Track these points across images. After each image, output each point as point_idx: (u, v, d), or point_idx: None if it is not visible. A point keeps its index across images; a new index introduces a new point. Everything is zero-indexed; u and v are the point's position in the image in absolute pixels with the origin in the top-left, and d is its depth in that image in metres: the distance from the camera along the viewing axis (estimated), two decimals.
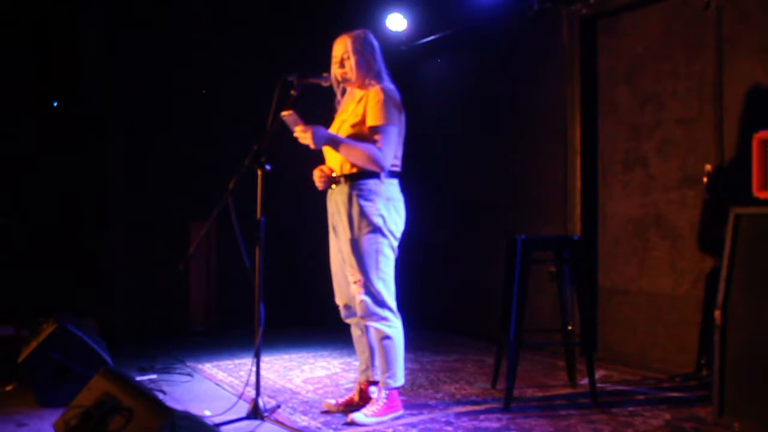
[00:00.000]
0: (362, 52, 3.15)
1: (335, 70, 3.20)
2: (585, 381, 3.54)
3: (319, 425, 3.08)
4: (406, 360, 3.99)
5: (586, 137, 4.56)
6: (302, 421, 3.14)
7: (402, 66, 5.25)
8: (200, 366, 4.24)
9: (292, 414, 3.25)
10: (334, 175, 3.18)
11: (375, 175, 3.08)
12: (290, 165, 4.01)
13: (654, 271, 4.19)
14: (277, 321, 3.65)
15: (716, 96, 3.84)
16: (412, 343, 4.38)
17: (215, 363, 4.33)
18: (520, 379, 3.72)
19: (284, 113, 3.01)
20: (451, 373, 4.12)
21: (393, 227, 3.12)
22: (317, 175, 3.23)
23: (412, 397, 3.53)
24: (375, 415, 3.09)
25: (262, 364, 3.29)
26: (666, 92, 4.14)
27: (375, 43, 3.21)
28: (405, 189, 3.23)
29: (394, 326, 3.13)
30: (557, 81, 4.69)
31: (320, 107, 3.39)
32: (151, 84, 5.19)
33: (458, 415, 3.23)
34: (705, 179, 3.87)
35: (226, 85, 5.48)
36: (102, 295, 4.96)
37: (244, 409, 3.14)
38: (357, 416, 3.08)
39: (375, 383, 3.28)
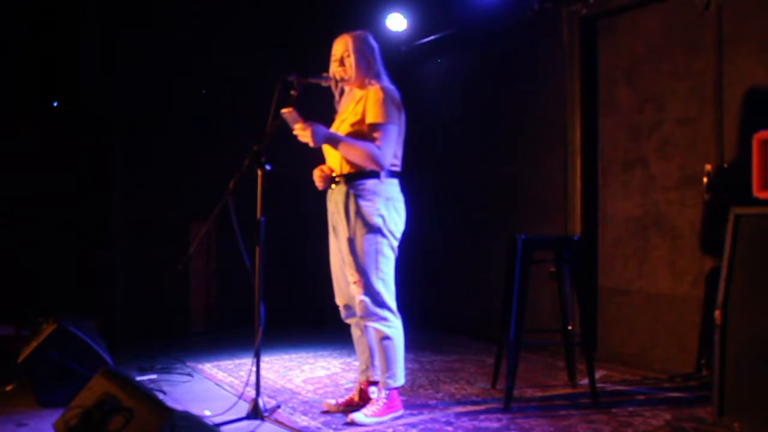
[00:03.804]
0: (362, 51, 3.16)
1: (335, 69, 3.20)
2: (585, 381, 3.54)
3: (319, 425, 3.08)
4: (406, 360, 3.98)
5: (586, 137, 4.56)
6: (302, 421, 3.14)
7: (402, 66, 5.25)
8: (200, 366, 4.24)
9: (292, 414, 3.25)
10: (333, 175, 3.18)
11: (374, 175, 3.08)
12: (290, 165, 4.01)
13: (654, 271, 4.19)
14: (277, 321, 3.65)
15: (716, 96, 3.84)
16: (412, 343, 4.38)
17: (215, 363, 4.33)
18: (520, 379, 3.71)
19: (284, 110, 3.02)
20: (451, 373, 4.12)
21: (393, 227, 3.11)
22: (317, 175, 3.23)
23: (412, 397, 3.53)
24: (375, 415, 3.09)
25: (262, 364, 3.29)
26: (666, 92, 4.14)
27: (374, 44, 3.22)
28: (405, 189, 3.23)
29: (394, 326, 3.13)
30: (557, 81, 4.69)
31: (320, 107, 3.39)
32: (151, 84, 5.19)
33: (458, 415, 3.23)
34: (705, 179, 3.86)
35: (226, 85, 5.48)
36: (102, 295, 4.95)
37: (244, 409, 3.14)
38: (357, 416, 3.08)
39: (375, 383, 3.28)
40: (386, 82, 3.18)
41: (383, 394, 3.14)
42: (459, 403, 3.45)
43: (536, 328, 4.26)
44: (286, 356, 4.58)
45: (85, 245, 4.93)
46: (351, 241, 3.07)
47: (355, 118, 3.11)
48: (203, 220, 4.70)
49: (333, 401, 3.33)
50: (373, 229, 3.06)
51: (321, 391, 3.68)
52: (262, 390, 3.25)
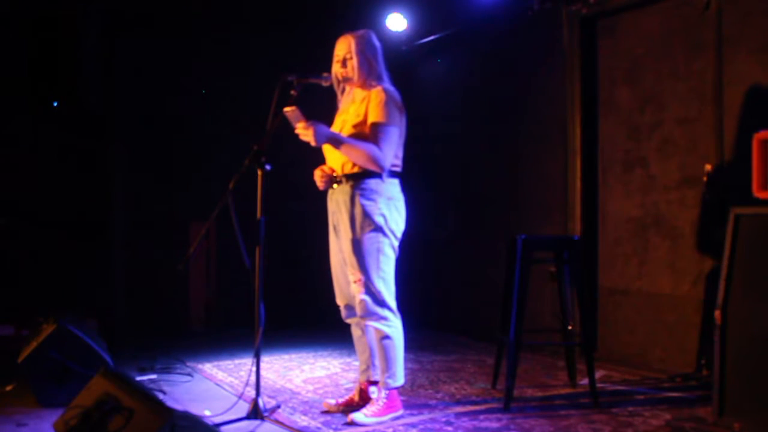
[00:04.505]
0: (365, 52, 3.16)
1: (337, 69, 3.21)
2: (585, 381, 3.54)
3: (319, 425, 3.08)
4: (406, 360, 3.99)
5: (586, 137, 4.56)
6: (302, 421, 3.14)
7: (402, 66, 5.25)
8: (200, 366, 4.24)
9: (292, 414, 3.25)
10: (335, 174, 3.18)
11: (377, 175, 3.08)
12: (290, 165, 4.01)
13: (654, 271, 4.19)
14: (277, 321, 3.65)
15: (716, 96, 3.84)
16: (412, 343, 4.38)
17: (215, 363, 4.33)
18: (520, 379, 3.71)
19: (287, 109, 3.01)
20: (451, 373, 4.12)
21: (394, 226, 3.12)
22: (318, 175, 3.23)
23: (412, 397, 3.53)
24: (375, 415, 3.09)
25: (262, 364, 3.29)
26: (666, 92, 4.14)
27: (377, 44, 3.22)
28: (405, 189, 3.23)
29: (394, 326, 3.13)
30: (557, 81, 4.68)
31: (321, 107, 3.39)
32: (151, 84, 5.19)
33: (458, 415, 3.23)
34: (705, 179, 3.87)
35: (226, 85, 5.48)
36: (102, 295, 4.95)
37: (244, 409, 3.14)
38: (357, 416, 3.08)
39: (375, 383, 3.28)
40: (387, 84, 3.19)
41: (383, 393, 3.14)
42: (459, 403, 3.45)
43: (536, 328, 4.26)
44: (286, 356, 4.58)
45: (85, 245, 4.93)
46: (353, 241, 3.07)
47: (358, 119, 3.12)
48: (203, 220, 4.71)
49: (333, 401, 3.33)
50: (375, 228, 3.06)
51: (321, 391, 3.68)
52: (262, 390, 3.25)
